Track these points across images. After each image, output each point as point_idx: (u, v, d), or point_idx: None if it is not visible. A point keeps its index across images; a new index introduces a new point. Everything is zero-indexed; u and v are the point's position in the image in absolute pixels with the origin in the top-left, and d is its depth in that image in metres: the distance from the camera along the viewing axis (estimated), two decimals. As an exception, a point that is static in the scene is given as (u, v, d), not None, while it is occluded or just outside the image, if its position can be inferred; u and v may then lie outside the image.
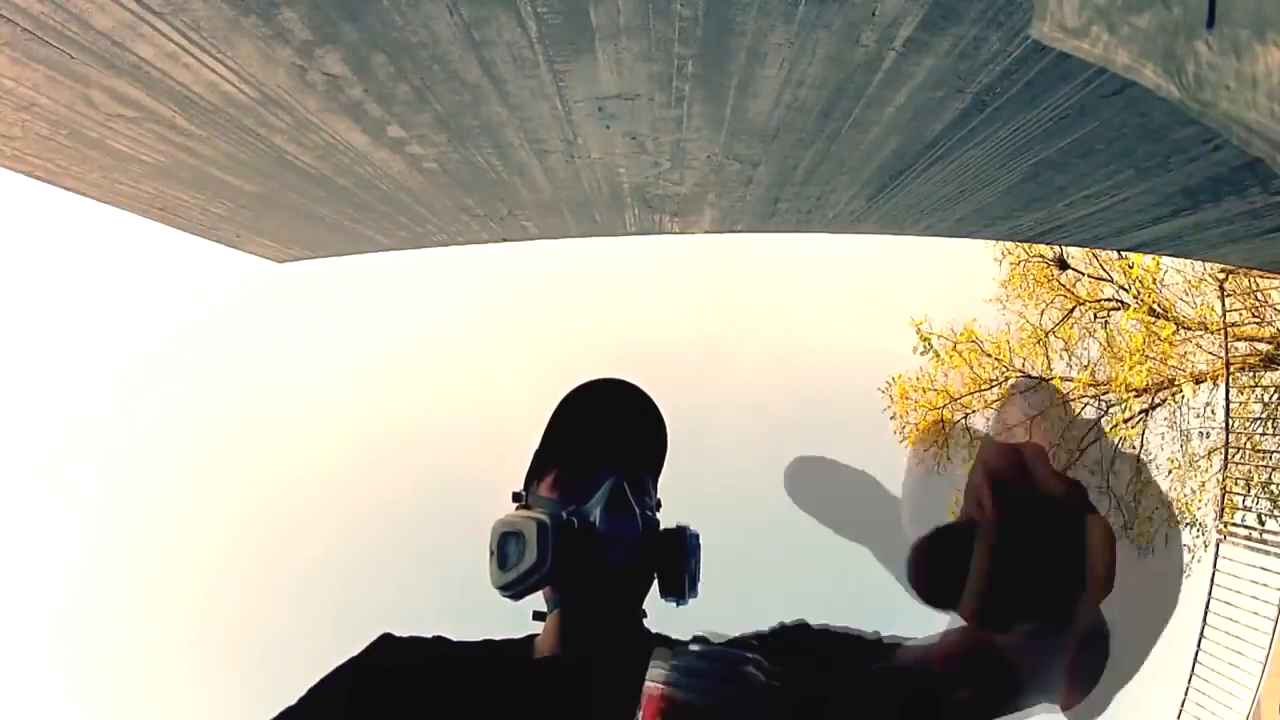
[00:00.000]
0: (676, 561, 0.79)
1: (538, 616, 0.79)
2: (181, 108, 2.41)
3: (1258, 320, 7.93)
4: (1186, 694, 7.41)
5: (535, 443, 0.85)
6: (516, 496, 0.84)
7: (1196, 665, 7.30)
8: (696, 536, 0.82)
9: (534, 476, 0.84)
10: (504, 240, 4.44)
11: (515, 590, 0.74)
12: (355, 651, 0.75)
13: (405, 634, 0.77)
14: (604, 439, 0.80)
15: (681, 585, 0.79)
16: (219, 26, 1.97)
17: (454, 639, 0.77)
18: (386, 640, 0.76)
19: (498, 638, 0.79)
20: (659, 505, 0.86)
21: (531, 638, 0.79)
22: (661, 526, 0.82)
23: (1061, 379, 9.15)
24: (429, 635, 0.78)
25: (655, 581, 0.80)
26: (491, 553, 0.76)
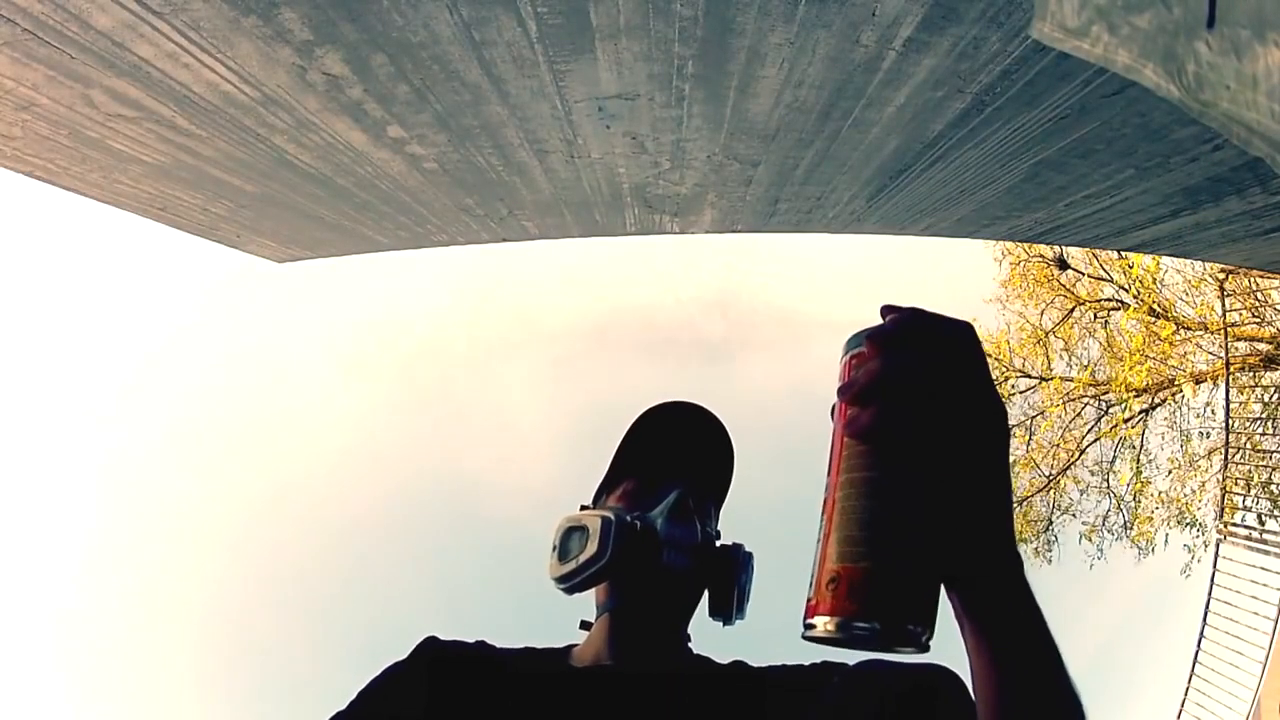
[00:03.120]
0: (728, 576, 0.80)
1: (584, 626, 0.80)
2: (181, 108, 2.41)
3: (1258, 320, 7.93)
4: (1186, 694, 7.41)
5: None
6: (583, 510, 0.85)
7: (1196, 665, 7.30)
8: (750, 556, 0.82)
9: (604, 491, 0.86)
10: (504, 240, 4.44)
11: (572, 582, 0.75)
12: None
13: (448, 637, 0.77)
14: (675, 457, 0.83)
15: (729, 603, 0.80)
16: (219, 26, 1.97)
17: (496, 644, 0.77)
18: (431, 642, 0.76)
19: (538, 645, 0.79)
20: (719, 534, 0.88)
21: (570, 647, 0.80)
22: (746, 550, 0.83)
23: (1061, 379, 9.16)
24: (472, 640, 0.77)
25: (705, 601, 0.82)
26: (554, 547, 0.78)
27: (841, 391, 0.44)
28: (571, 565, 0.75)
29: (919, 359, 0.42)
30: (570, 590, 0.76)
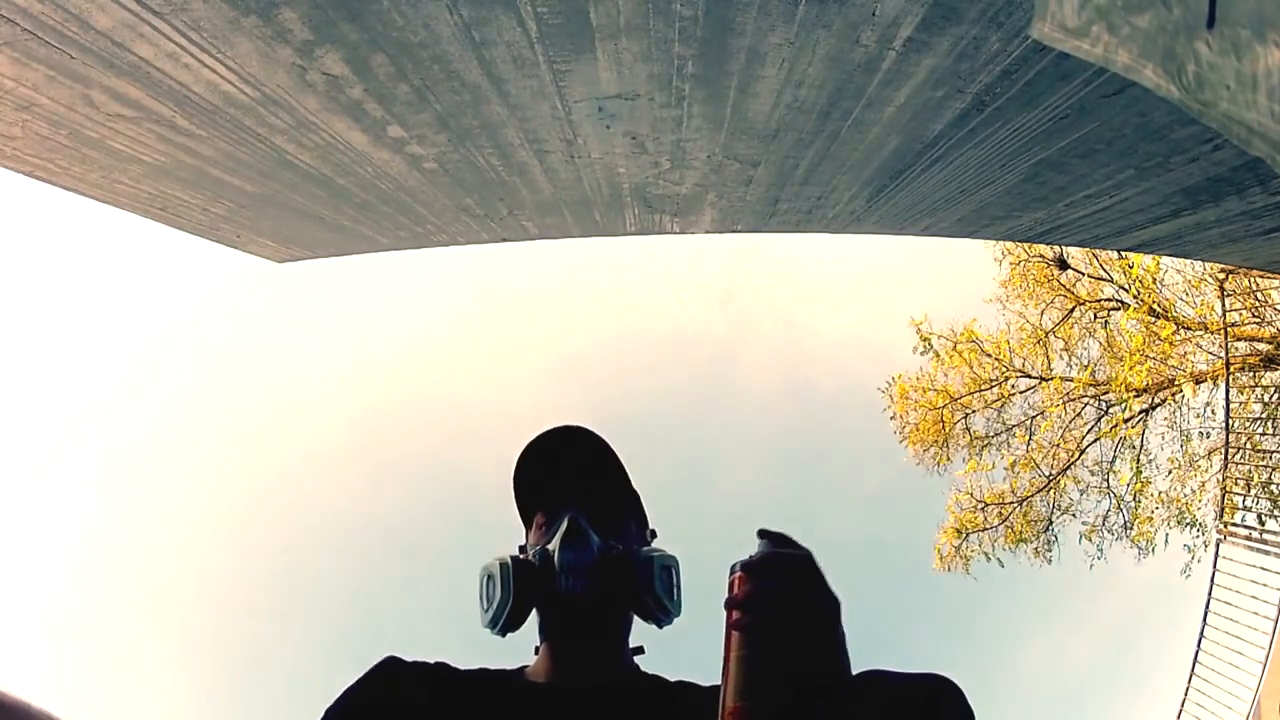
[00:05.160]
0: (633, 585, 0.83)
1: (538, 650, 0.85)
2: (181, 108, 2.41)
3: (1258, 320, 7.93)
4: (1186, 694, 7.41)
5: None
6: (521, 549, 0.89)
7: (1196, 665, 7.30)
8: (655, 560, 0.85)
9: (526, 528, 0.92)
10: (504, 240, 4.44)
11: (496, 625, 0.82)
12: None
13: (410, 658, 0.80)
14: (558, 483, 0.88)
15: (645, 608, 0.83)
16: (219, 26, 1.97)
17: (456, 665, 0.81)
18: (391, 663, 0.79)
19: (492, 666, 0.83)
20: (653, 535, 0.93)
21: (523, 668, 0.85)
22: (654, 553, 0.86)
23: (1061, 379, 9.16)
24: (432, 660, 0.81)
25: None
26: (479, 596, 0.85)
27: (726, 604, 0.64)
28: (491, 612, 0.81)
29: (771, 585, 0.63)
30: (499, 632, 0.82)
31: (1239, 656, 6.83)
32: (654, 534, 0.93)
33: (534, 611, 0.84)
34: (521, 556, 0.84)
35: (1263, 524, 7.24)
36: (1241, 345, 8.05)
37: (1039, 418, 9.29)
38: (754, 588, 0.64)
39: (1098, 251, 8.26)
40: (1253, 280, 7.62)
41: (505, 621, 0.81)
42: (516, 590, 0.80)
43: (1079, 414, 9.14)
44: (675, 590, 0.84)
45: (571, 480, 0.87)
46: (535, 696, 0.79)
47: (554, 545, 0.81)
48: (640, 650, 0.85)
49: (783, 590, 0.63)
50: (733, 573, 0.67)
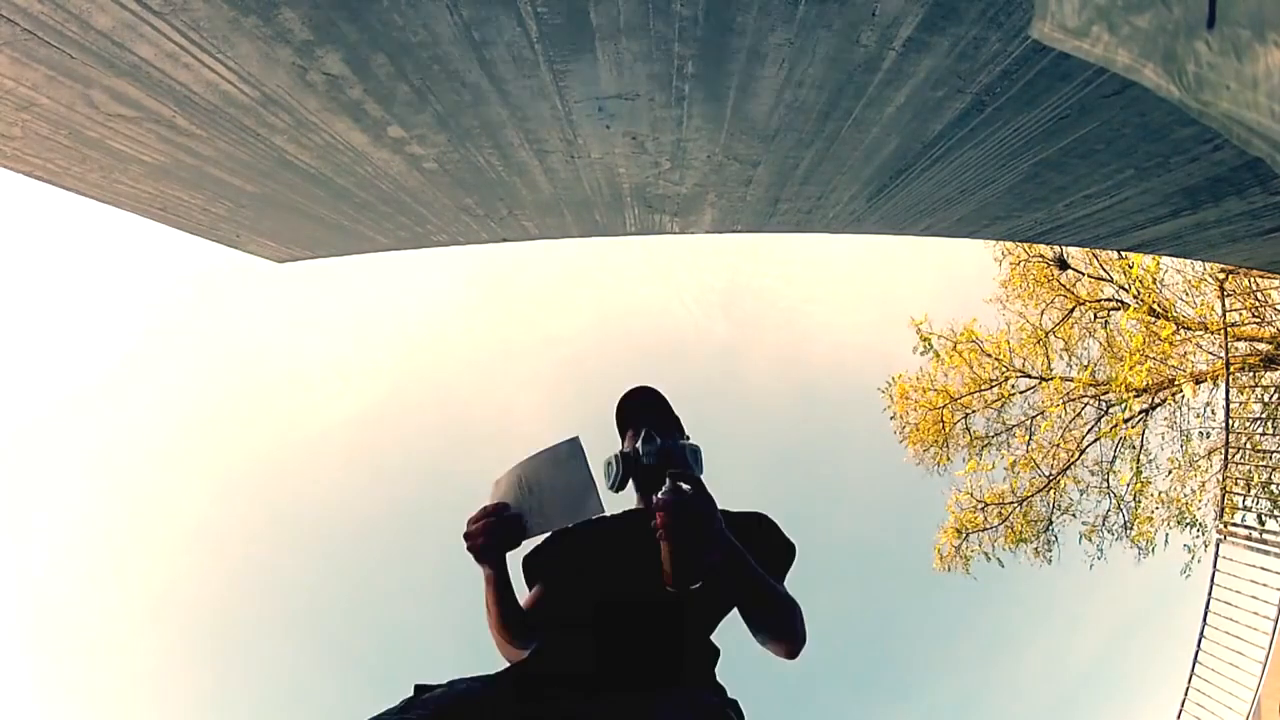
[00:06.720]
0: (676, 460, 1.49)
1: (637, 501, 1.59)
2: (181, 108, 2.41)
3: (1258, 320, 7.93)
4: (1186, 694, 7.41)
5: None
6: (621, 450, 1.59)
7: (1196, 665, 7.31)
8: (687, 447, 1.54)
9: (621, 439, 1.59)
10: (504, 240, 4.44)
11: (613, 487, 1.51)
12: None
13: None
14: (638, 413, 1.58)
15: (684, 470, 1.38)
16: (219, 26, 1.97)
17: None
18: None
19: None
20: (688, 438, 1.59)
21: (632, 510, 1.54)
22: (688, 444, 1.57)
23: (1061, 379, 9.16)
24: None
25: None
26: (603, 474, 1.54)
27: (652, 525, 1.20)
28: (613, 479, 1.52)
29: (678, 522, 1.18)
30: (615, 489, 1.51)
31: (1239, 656, 6.83)
32: (688, 438, 1.58)
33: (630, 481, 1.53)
34: (623, 450, 1.54)
35: (1263, 524, 7.25)
36: (1241, 345, 8.05)
37: (1039, 418, 9.29)
38: (667, 521, 1.17)
39: (1098, 251, 8.27)
40: (1253, 280, 7.63)
41: (618, 483, 1.51)
42: (624, 465, 1.51)
43: (1079, 414, 9.14)
44: (699, 463, 1.52)
45: (644, 411, 1.57)
46: (637, 517, 1.47)
47: (639, 443, 1.49)
48: None
49: (684, 523, 1.17)
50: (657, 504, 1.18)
